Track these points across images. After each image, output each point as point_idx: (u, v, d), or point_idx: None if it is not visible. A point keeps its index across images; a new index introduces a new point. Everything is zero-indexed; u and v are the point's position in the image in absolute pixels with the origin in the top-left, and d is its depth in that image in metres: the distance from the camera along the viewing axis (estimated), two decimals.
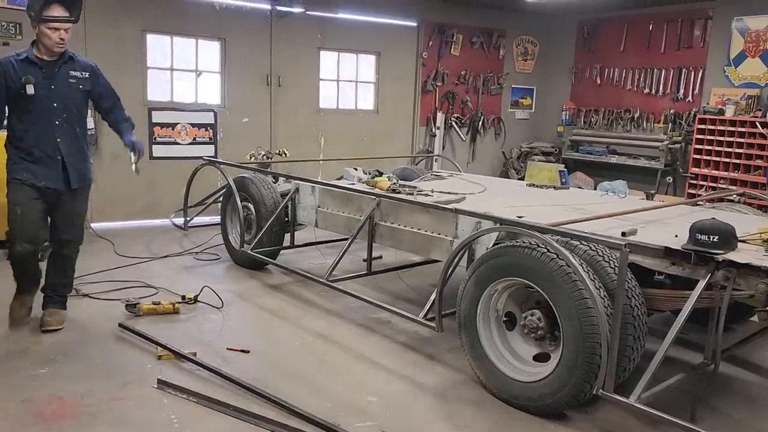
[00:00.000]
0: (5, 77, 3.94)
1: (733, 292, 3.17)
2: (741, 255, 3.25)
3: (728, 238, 3.31)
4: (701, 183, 8.52)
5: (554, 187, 6.13)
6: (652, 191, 7.87)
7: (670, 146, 9.04)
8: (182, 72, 8.11)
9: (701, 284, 3.21)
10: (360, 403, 3.52)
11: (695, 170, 8.60)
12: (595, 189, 7.36)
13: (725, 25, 8.62)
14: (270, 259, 5.61)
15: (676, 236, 3.60)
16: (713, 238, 3.29)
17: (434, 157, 9.53)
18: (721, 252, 3.24)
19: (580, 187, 9.23)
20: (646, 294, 3.47)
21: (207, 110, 8.20)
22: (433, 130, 10.03)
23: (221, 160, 6.86)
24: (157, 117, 7.87)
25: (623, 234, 3.64)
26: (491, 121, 10.70)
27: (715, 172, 8.38)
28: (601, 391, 3.10)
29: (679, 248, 3.38)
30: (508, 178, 10.22)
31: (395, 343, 4.42)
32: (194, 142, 8.11)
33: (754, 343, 4.45)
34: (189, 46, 8.08)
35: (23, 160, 4.03)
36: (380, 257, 6.39)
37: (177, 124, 8.00)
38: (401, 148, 9.78)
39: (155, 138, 7.84)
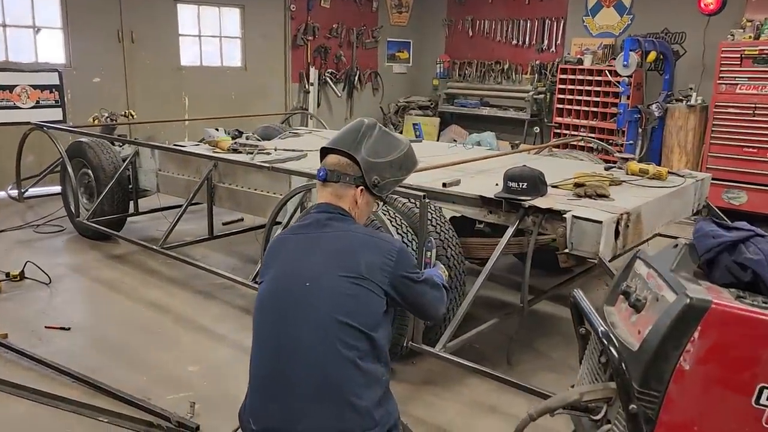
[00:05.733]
0: None
1: (539, 236, 3.25)
2: (547, 200, 3.33)
3: (536, 184, 3.38)
4: (564, 132, 8.80)
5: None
6: (518, 141, 8.08)
7: (535, 97, 9.27)
8: (16, 28, 7.36)
9: (510, 231, 3.28)
10: (179, 374, 3.38)
11: (559, 119, 8.85)
12: None
13: None
14: (109, 229, 5.26)
15: (497, 185, 3.65)
16: (522, 185, 3.36)
17: (308, 115, 9.29)
18: (529, 198, 3.31)
19: (454, 140, 9.33)
20: (465, 243, 3.51)
21: (50, 70, 7.52)
22: (307, 86, 9.76)
23: (51, 125, 6.30)
24: None
25: (444, 185, 3.64)
26: (368, 76, 10.53)
27: (576, 121, 8.67)
28: (411, 343, 3.11)
29: (492, 197, 3.42)
30: None
31: (234, 308, 4.28)
32: (38, 106, 7.43)
33: (581, 282, 4.67)
34: None
35: None
36: (241, 219, 6.19)
37: (16, 86, 7.28)
38: (274, 106, 9.45)
39: None
